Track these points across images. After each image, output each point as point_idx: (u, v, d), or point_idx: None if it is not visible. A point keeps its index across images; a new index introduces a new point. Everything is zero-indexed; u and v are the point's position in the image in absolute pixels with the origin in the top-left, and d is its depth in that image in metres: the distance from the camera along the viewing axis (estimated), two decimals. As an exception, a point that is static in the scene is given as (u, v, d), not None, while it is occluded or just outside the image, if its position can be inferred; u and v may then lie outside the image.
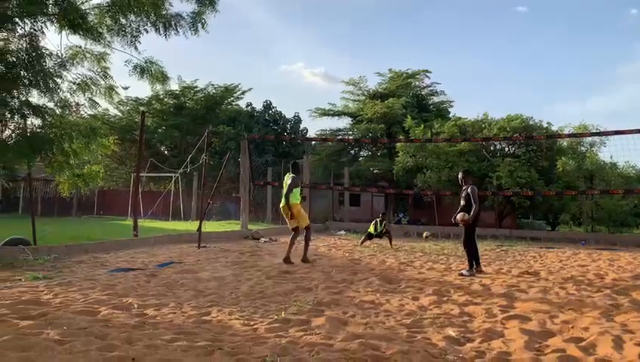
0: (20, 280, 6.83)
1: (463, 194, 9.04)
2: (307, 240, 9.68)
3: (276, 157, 30.35)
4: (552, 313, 5.57)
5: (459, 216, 8.95)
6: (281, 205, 9.52)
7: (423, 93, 32.31)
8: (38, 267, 8.05)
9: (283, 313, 5.22)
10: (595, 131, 19.12)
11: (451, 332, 4.66)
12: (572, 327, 4.95)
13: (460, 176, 9.35)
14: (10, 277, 7.05)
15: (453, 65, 66.66)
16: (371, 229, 14.36)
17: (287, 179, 9.45)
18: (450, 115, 29.39)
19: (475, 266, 8.86)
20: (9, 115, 8.78)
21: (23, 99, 8.64)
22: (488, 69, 69.67)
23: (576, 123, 21.09)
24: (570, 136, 19.63)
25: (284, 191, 9.44)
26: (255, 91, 69.40)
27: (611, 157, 21.41)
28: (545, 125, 22.74)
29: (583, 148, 21.43)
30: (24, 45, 8.56)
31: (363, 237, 14.45)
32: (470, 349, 4.15)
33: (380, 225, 14.29)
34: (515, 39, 65.91)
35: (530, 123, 22.48)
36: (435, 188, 21.65)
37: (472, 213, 8.75)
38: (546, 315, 5.44)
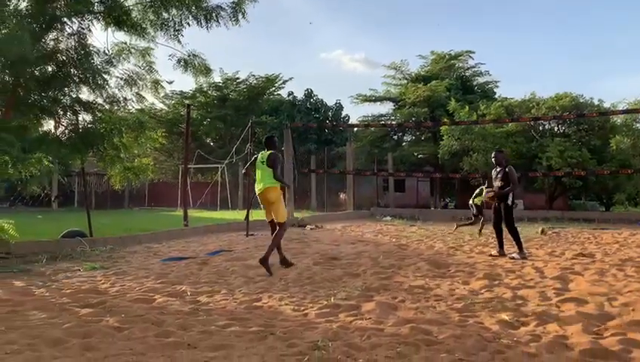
0: (79, 270, 7.12)
1: (499, 175, 8.69)
2: (277, 238, 7.29)
3: (319, 145, 30.39)
4: (611, 295, 5.38)
5: (489, 194, 8.89)
6: (259, 189, 7.25)
7: (466, 74, 31.60)
8: (94, 258, 8.37)
9: (332, 298, 5.24)
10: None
11: (505, 316, 4.56)
12: (632, 310, 4.76)
13: (493, 157, 8.95)
14: (69, 267, 7.35)
15: (498, 44, 64.81)
16: (478, 196, 12.36)
17: (265, 155, 7.25)
18: (496, 96, 28.67)
19: (498, 249, 8.71)
20: (62, 112, 9.11)
21: (74, 96, 8.94)
22: (534, 46, 67.43)
23: (631, 98, 20.18)
24: (624, 112, 18.79)
25: (263, 171, 7.21)
26: (296, 80, 69.64)
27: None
28: (596, 102, 21.89)
29: (639, 125, 20.50)
30: (73, 44, 8.83)
31: (473, 220, 12.90)
32: (525, 333, 4.06)
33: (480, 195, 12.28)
34: (562, 15, 63.44)
35: (581, 101, 21.70)
36: (482, 171, 21.20)
37: (507, 190, 8.53)
38: (604, 298, 5.26)
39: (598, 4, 61.99)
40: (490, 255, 8.69)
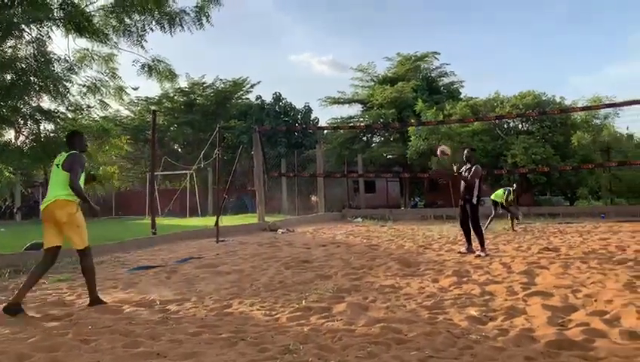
0: (44, 283, 6.93)
1: (465, 174, 8.83)
2: (88, 270, 5.43)
3: (289, 149, 30.37)
4: (574, 287, 5.53)
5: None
6: (45, 202, 5.27)
7: (432, 75, 32.00)
8: (60, 269, 8.16)
9: (304, 301, 5.24)
10: (608, 103, 18.78)
11: (473, 311, 4.64)
12: (595, 301, 4.91)
13: (465, 154, 9.09)
14: (34, 280, 7.15)
15: (462, 45, 65.88)
16: (499, 195, 13.27)
17: (62, 157, 5.39)
18: (462, 96, 29.13)
19: (467, 246, 8.85)
20: (22, 122, 8.89)
21: (35, 105, 8.75)
22: (497, 47, 68.80)
23: (589, 95, 20.78)
24: (583, 109, 19.30)
25: (57, 176, 5.31)
26: (264, 84, 69.34)
27: (627, 128, 21.11)
28: (558, 100, 22.45)
29: (597, 120, 21.12)
30: (32, 51, 8.63)
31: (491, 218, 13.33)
32: (493, 327, 4.13)
33: (512, 194, 13.36)
34: (524, 14, 64.94)
35: (543, 98, 22.20)
36: (449, 170, 21.52)
37: (474, 192, 8.67)
38: (568, 290, 5.40)
39: (558, 3, 63.70)
40: (459, 252, 8.85)
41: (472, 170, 8.77)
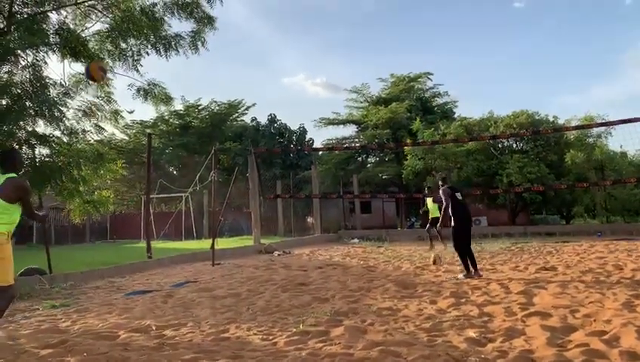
0: (38, 309, 6.85)
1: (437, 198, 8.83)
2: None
3: (284, 170, 30.40)
4: (573, 307, 5.50)
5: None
6: None
7: (426, 95, 32.32)
8: (55, 295, 8.08)
9: (301, 325, 5.19)
10: (601, 121, 18.96)
11: (472, 333, 4.61)
12: (594, 321, 4.89)
13: (439, 182, 9.13)
14: (28, 307, 7.07)
15: (454, 65, 66.58)
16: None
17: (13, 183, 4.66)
18: (455, 116, 29.37)
19: (473, 270, 8.38)
20: (17, 147, 8.87)
21: (30, 129, 8.74)
22: (490, 67, 69.56)
23: (581, 114, 21.00)
24: (576, 128, 19.46)
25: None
26: (259, 106, 69.86)
27: (621, 147, 21.28)
28: (551, 119, 22.69)
29: (590, 139, 21.30)
30: (28, 76, 8.67)
31: None
32: (492, 349, 4.10)
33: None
34: (513, 35, 65.79)
35: (537, 118, 22.41)
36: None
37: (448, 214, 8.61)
38: (567, 310, 5.38)
39: (547, 21, 64.63)
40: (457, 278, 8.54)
41: (441, 192, 8.71)
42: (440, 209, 9.59)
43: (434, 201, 14.21)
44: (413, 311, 5.75)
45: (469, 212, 8.79)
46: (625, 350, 3.88)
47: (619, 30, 61.42)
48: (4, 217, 4.60)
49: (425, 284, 7.70)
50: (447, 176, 9.38)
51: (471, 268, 8.39)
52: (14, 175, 4.71)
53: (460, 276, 8.28)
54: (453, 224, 8.54)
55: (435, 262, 10.18)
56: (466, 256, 8.39)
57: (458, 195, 8.63)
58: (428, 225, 14.70)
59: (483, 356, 3.91)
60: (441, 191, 8.71)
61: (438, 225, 10.18)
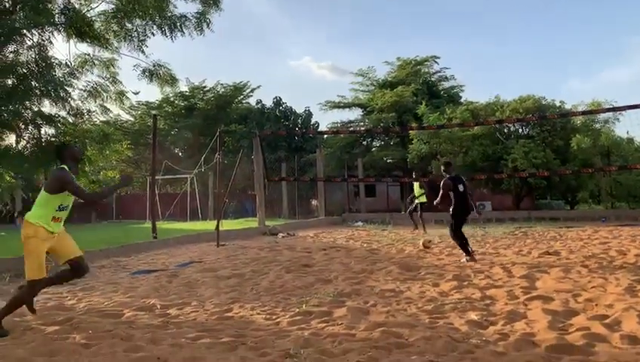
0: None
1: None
2: (17, 297, 4.68)
3: (289, 153, 30.38)
4: (575, 292, 5.53)
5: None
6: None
7: (432, 79, 32.06)
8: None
9: (304, 305, 5.24)
10: (608, 107, 18.78)
11: (473, 316, 4.64)
12: (596, 305, 4.92)
13: (441, 167, 9.27)
14: (34, 285, 7.15)
15: (462, 49, 65.87)
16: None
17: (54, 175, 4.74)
18: (462, 100, 29.16)
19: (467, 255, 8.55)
20: (23, 126, 8.90)
21: (36, 109, 8.75)
22: (497, 51, 68.82)
23: (589, 100, 20.80)
24: (583, 113, 19.28)
25: (42, 198, 4.68)
26: (264, 88, 69.53)
27: (627, 133, 21.12)
28: (558, 104, 22.50)
29: (597, 125, 21.14)
30: (34, 56, 8.65)
31: None
32: (494, 332, 4.13)
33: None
34: (522, 20, 64.97)
35: (543, 103, 22.23)
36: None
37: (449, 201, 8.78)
38: (569, 294, 5.40)
39: (557, 6, 63.80)
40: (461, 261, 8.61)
41: (440, 185, 8.88)
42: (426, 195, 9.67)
43: (420, 187, 14.88)
44: (416, 294, 5.79)
45: (469, 204, 8.87)
46: (626, 334, 3.90)
47: (631, 11, 60.49)
48: (38, 210, 4.58)
49: (428, 267, 7.74)
50: (450, 162, 9.35)
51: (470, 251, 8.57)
52: (63, 166, 4.73)
53: (463, 259, 8.38)
54: (452, 212, 8.70)
55: (424, 245, 10.31)
56: (463, 240, 8.57)
57: (460, 187, 8.73)
58: (411, 208, 15.27)
59: (484, 338, 3.95)
60: (442, 183, 8.87)
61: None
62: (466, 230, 9.22)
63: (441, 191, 8.86)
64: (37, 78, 8.52)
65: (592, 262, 7.77)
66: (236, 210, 25.24)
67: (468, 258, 8.38)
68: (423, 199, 14.79)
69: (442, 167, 9.24)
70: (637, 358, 3.40)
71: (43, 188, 4.68)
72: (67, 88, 8.79)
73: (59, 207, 4.67)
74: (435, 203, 9.13)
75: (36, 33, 8.58)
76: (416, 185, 15.20)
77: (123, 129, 30.44)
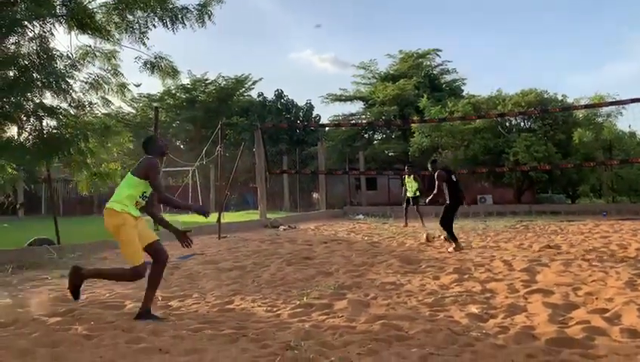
0: (47, 278, 6.97)
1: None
2: (153, 284, 4.89)
3: (290, 146, 30.38)
4: (575, 285, 5.54)
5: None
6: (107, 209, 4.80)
7: (434, 72, 32.02)
8: (63, 265, 8.19)
9: (305, 298, 5.26)
10: (611, 100, 18.70)
11: (474, 309, 4.66)
12: (596, 299, 4.93)
13: (428, 165, 9.74)
14: (36, 276, 7.20)
15: (464, 43, 65.59)
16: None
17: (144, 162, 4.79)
18: (464, 94, 29.11)
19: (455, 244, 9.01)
20: (25, 118, 8.89)
21: (38, 101, 8.74)
22: (499, 45, 68.56)
23: (591, 93, 20.73)
24: (585, 107, 19.23)
25: (122, 181, 5.00)
26: (266, 81, 69.12)
27: (630, 127, 21.07)
28: (560, 98, 22.42)
29: (599, 118, 21.08)
30: (35, 48, 8.64)
31: None
32: (494, 325, 4.15)
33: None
34: (524, 12, 64.67)
35: (545, 96, 22.17)
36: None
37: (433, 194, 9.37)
38: (569, 288, 5.41)
39: (558, 12, 63.50)
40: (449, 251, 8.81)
41: (435, 176, 9.26)
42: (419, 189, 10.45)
43: (415, 181, 14.94)
44: (416, 286, 5.81)
45: (461, 192, 9.47)
46: (626, 327, 3.92)
47: (633, 6, 60.20)
48: (125, 192, 4.71)
49: (428, 260, 7.76)
50: (436, 160, 9.90)
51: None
52: (149, 156, 4.87)
53: (451, 249, 8.75)
54: (447, 202, 9.22)
55: (428, 239, 10.34)
56: (452, 230, 9.08)
57: (453, 177, 9.33)
58: (405, 203, 15.30)
59: (484, 331, 3.96)
60: (436, 175, 9.23)
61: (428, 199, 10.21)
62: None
63: (436, 183, 9.22)
64: (38, 70, 8.50)
65: (592, 255, 7.78)
66: (237, 203, 25.27)
67: (455, 246, 8.79)
68: (417, 193, 14.79)
69: (429, 166, 9.65)
70: (637, 351, 3.41)
71: (130, 173, 4.78)
72: (68, 80, 8.77)
73: (142, 194, 4.78)
74: (432, 196, 9.51)
75: (37, 25, 8.55)
76: (408, 179, 15.14)
77: (124, 121, 30.42)
